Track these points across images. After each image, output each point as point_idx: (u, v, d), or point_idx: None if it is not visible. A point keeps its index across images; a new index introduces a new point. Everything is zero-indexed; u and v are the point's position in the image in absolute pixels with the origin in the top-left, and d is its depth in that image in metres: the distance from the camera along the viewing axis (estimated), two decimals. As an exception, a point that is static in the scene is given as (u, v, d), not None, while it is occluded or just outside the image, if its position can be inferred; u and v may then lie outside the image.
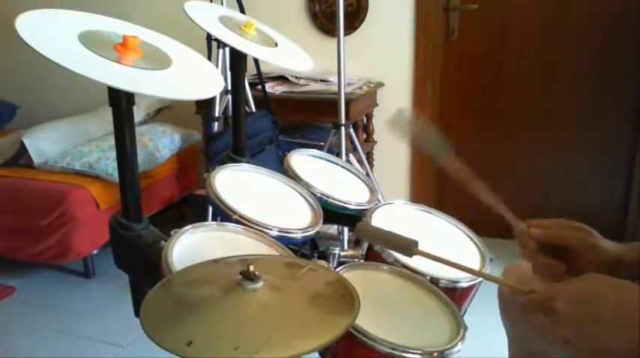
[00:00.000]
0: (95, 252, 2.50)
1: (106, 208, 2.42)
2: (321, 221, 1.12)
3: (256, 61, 2.45)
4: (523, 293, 0.75)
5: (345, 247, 2.26)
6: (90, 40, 0.95)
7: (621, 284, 0.69)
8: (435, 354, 0.77)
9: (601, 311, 0.67)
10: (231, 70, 1.38)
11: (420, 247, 0.84)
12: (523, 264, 1.11)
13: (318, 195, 1.18)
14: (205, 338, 0.63)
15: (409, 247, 0.84)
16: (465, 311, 1.02)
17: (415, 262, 0.98)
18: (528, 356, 1.09)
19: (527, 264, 1.10)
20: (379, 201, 1.24)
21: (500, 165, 2.66)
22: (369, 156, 2.70)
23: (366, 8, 2.63)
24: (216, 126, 2.47)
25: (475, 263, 1.07)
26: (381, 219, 1.11)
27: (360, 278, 0.91)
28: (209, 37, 2.35)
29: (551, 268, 0.82)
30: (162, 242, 1.02)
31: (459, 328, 0.84)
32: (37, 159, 2.50)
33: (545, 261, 0.82)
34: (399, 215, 1.18)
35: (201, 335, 0.64)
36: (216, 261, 0.81)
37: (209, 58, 2.41)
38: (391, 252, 0.99)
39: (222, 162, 1.32)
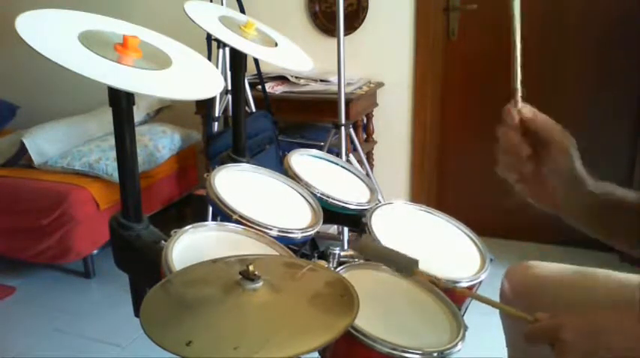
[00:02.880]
0: (95, 252, 2.50)
1: (106, 208, 2.42)
2: (321, 221, 1.12)
3: (256, 61, 2.45)
4: (527, 322, 0.75)
5: (345, 247, 2.26)
6: (90, 40, 0.95)
7: (628, 315, 0.70)
8: (435, 354, 0.77)
9: (611, 341, 0.67)
10: (231, 70, 1.38)
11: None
12: (526, 265, 1.11)
13: (318, 195, 1.18)
14: (205, 338, 0.63)
15: (409, 267, 0.84)
16: (465, 311, 1.02)
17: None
18: (529, 357, 1.09)
19: (530, 265, 1.10)
20: (379, 201, 1.24)
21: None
22: (369, 156, 2.70)
23: (366, 8, 2.63)
24: (216, 126, 2.47)
25: (475, 263, 1.07)
26: (381, 219, 1.11)
27: (360, 278, 0.91)
28: (209, 37, 2.35)
29: (519, 150, 0.84)
30: (162, 242, 1.02)
31: (459, 328, 0.84)
32: (37, 159, 2.50)
33: (519, 139, 0.84)
34: (399, 215, 1.18)
35: (201, 335, 0.64)
36: (215, 261, 0.81)
37: (209, 58, 2.41)
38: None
39: (222, 162, 1.32)
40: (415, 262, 0.84)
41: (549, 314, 0.73)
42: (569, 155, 0.82)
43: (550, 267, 1.09)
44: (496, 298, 1.12)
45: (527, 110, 0.85)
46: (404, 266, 0.85)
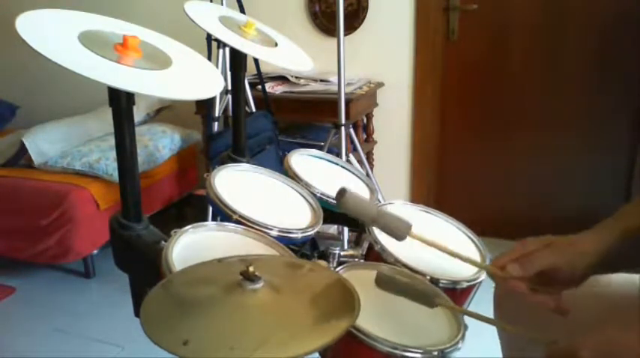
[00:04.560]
0: (95, 252, 2.50)
1: (106, 208, 2.42)
2: (321, 221, 1.12)
3: (256, 61, 2.45)
4: (545, 344, 0.74)
5: (345, 247, 2.26)
6: (90, 40, 0.95)
7: None
8: (436, 353, 0.77)
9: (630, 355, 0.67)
10: (231, 70, 1.38)
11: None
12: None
13: (318, 195, 1.18)
14: (202, 338, 0.63)
15: (431, 300, 0.84)
16: (465, 311, 1.02)
17: (415, 262, 0.98)
18: (523, 356, 1.09)
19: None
20: (379, 201, 1.24)
21: (500, 165, 2.66)
22: (369, 156, 2.70)
23: (366, 8, 2.63)
24: (216, 126, 2.48)
25: (475, 263, 1.06)
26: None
27: (360, 278, 0.91)
28: (209, 37, 2.35)
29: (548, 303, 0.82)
30: (163, 242, 1.02)
31: (459, 328, 0.84)
32: (37, 159, 2.50)
33: (541, 302, 0.82)
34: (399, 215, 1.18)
35: (198, 335, 0.64)
36: (216, 261, 0.81)
37: (209, 58, 2.41)
38: (392, 252, 0.99)
39: (222, 162, 1.32)
40: (436, 293, 0.85)
41: (565, 335, 0.73)
42: (573, 261, 0.82)
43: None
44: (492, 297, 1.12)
45: (513, 269, 0.81)
46: (425, 299, 0.85)
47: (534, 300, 0.83)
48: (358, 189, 1.31)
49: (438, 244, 0.89)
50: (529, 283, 0.82)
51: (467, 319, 0.87)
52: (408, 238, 0.89)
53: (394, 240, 0.91)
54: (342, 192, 0.90)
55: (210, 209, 2.07)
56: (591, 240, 0.83)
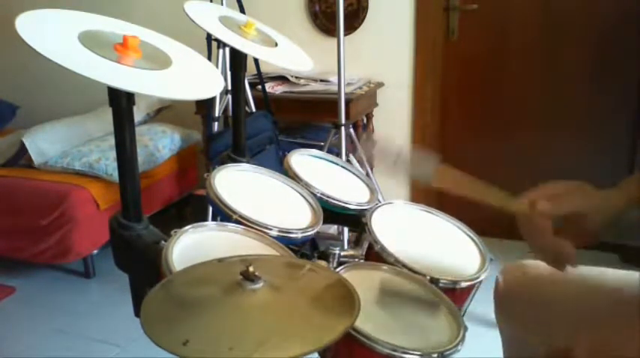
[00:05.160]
0: (95, 252, 2.50)
1: (106, 208, 2.42)
2: (321, 221, 1.12)
3: (256, 61, 2.45)
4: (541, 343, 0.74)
5: (345, 247, 2.26)
6: (90, 40, 0.95)
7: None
8: (435, 355, 0.77)
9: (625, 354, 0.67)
10: (231, 70, 1.38)
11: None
12: (522, 264, 1.11)
13: (318, 195, 1.18)
14: (201, 338, 0.63)
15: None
16: (465, 311, 1.02)
17: (415, 262, 0.98)
18: (524, 355, 1.09)
19: (526, 263, 1.10)
20: (379, 201, 1.24)
21: (499, 165, 2.66)
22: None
23: (366, 8, 2.63)
24: (216, 126, 2.48)
25: (475, 263, 1.06)
26: (381, 219, 1.11)
27: (360, 279, 0.91)
28: (209, 37, 2.35)
29: (563, 254, 0.80)
30: (162, 242, 1.02)
31: (459, 328, 0.84)
32: (37, 159, 2.50)
33: (560, 244, 0.79)
34: (399, 215, 1.18)
35: (198, 335, 0.64)
36: (216, 261, 0.81)
37: (209, 58, 2.41)
38: (391, 252, 0.99)
39: (222, 162, 1.32)
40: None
41: (563, 334, 0.72)
42: (599, 208, 0.81)
43: (546, 266, 1.09)
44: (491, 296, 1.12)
45: (544, 207, 0.79)
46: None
47: (554, 242, 0.79)
48: (358, 189, 1.31)
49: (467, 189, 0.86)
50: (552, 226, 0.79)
51: (467, 319, 0.87)
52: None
53: (393, 240, 0.91)
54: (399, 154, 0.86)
55: (210, 209, 2.07)
56: (609, 197, 0.82)
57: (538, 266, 1.08)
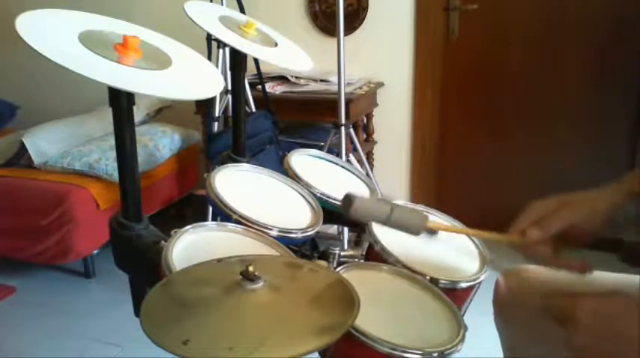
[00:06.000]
0: (95, 252, 2.50)
1: (106, 208, 2.41)
2: (321, 221, 1.12)
3: (256, 61, 2.45)
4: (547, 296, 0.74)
5: (345, 247, 2.26)
6: (90, 40, 0.95)
7: None
8: (435, 354, 0.77)
9: (625, 328, 0.67)
10: (231, 70, 1.38)
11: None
12: (522, 268, 1.11)
13: (318, 195, 1.18)
14: (202, 338, 0.63)
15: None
16: (465, 311, 1.02)
17: (415, 262, 0.98)
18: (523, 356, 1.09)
19: (526, 267, 1.10)
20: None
21: (499, 165, 2.66)
22: (369, 156, 2.70)
23: (366, 8, 2.63)
24: (216, 126, 2.47)
25: (475, 263, 1.07)
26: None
27: (360, 278, 0.91)
28: (209, 37, 2.35)
29: (574, 268, 0.81)
30: (163, 242, 1.02)
31: (459, 328, 0.84)
32: (37, 159, 2.50)
33: (564, 262, 0.81)
34: (399, 215, 1.18)
35: (198, 335, 0.64)
36: (216, 261, 0.81)
37: (209, 58, 2.41)
38: (391, 252, 0.99)
39: (222, 162, 1.32)
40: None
41: (564, 343, 0.72)
42: (591, 217, 0.82)
43: (546, 270, 1.08)
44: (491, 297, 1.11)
45: (536, 235, 0.81)
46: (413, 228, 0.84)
47: (559, 264, 0.81)
48: (358, 188, 1.31)
49: (458, 228, 0.87)
50: (551, 246, 0.80)
51: (467, 319, 0.87)
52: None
53: (393, 240, 0.91)
54: (349, 199, 0.84)
55: (210, 209, 2.07)
56: (601, 198, 0.83)
57: (538, 270, 1.08)
